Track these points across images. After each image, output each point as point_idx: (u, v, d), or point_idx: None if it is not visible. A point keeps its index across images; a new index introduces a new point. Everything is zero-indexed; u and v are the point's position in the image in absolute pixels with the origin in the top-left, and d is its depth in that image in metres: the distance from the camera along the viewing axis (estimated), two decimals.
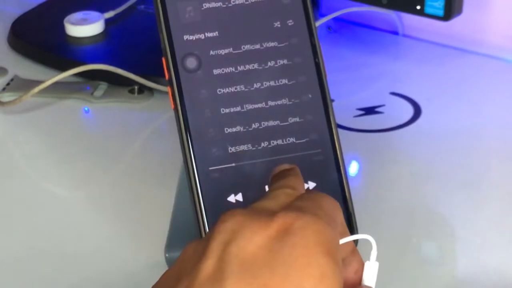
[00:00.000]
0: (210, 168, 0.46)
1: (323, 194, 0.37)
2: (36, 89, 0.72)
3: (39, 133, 0.70)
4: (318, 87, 0.48)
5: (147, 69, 0.74)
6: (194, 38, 0.47)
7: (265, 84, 0.48)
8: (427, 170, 0.64)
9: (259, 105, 0.48)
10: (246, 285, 0.31)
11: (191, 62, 0.47)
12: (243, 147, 0.47)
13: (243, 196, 0.46)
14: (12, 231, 0.59)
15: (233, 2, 0.48)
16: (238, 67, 0.48)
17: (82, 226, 0.59)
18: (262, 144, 0.47)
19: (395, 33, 0.84)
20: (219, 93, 0.47)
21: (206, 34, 0.48)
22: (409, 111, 0.71)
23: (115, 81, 0.74)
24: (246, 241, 0.32)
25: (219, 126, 0.47)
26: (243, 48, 0.48)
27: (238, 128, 0.47)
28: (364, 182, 0.63)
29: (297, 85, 0.48)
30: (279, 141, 0.47)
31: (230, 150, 0.47)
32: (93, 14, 0.83)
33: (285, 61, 0.48)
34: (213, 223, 0.46)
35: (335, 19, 0.84)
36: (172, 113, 0.47)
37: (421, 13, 0.73)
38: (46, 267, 0.55)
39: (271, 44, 0.48)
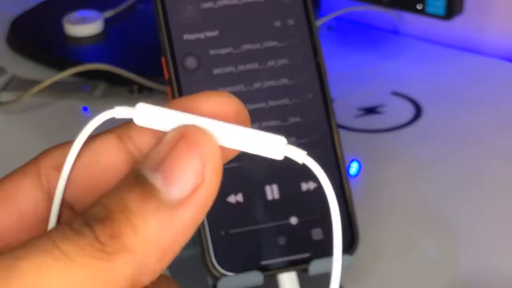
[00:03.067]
0: None
1: None
2: (35, 89, 0.72)
3: (38, 133, 0.70)
4: (319, 87, 0.48)
5: (147, 68, 0.74)
6: (194, 38, 0.47)
7: (266, 84, 0.48)
8: (428, 170, 0.63)
9: (260, 105, 0.47)
10: None
11: (191, 62, 0.47)
12: None
13: (243, 196, 0.46)
14: None
15: (233, 1, 0.48)
16: (238, 67, 0.47)
17: None
18: None
19: (396, 32, 0.84)
20: None
21: (206, 33, 0.47)
22: (410, 111, 0.71)
23: (114, 81, 0.74)
24: None
25: None
26: (243, 47, 0.48)
27: None
28: (364, 182, 0.63)
29: (297, 85, 0.48)
30: None
31: None
32: (93, 13, 0.82)
33: (286, 61, 0.48)
34: (213, 224, 0.46)
35: (336, 19, 0.84)
36: None
37: (422, 12, 0.73)
38: None
39: (272, 43, 0.48)
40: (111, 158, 0.25)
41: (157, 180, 0.23)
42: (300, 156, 0.24)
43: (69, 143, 0.25)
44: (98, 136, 0.25)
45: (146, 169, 0.23)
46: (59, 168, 0.25)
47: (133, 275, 0.22)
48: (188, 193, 0.23)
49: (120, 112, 0.24)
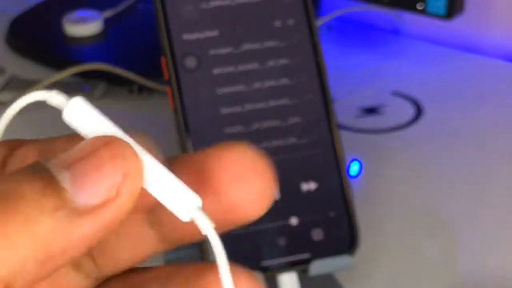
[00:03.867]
0: None
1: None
2: (35, 89, 0.72)
3: (38, 133, 0.70)
4: (319, 87, 0.48)
5: (147, 68, 0.74)
6: (193, 38, 0.47)
7: (266, 83, 0.48)
8: (428, 170, 0.63)
9: (260, 105, 0.47)
10: None
11: (190, 62, 0.47)
12: None
13: None
14: None
15: (233, 1, 0.48)
16: (238, 67, 0.47)
17: None
18: (263, 144, 0.47)
19: (396, 32, 0.84)
20: (219, 93, 0.47)
21: (206, 33, 0.47)
22: (410, 111, 0.71)
23: (114, 81, 0.74)
24: None
25: (219, 126, 0.47)
26: (243, 47, 0.48)
27: (239, 128, 0.47)
28: (365, 182, 0.63)
29: (297, 85, 0.48)
30: (280, 141, 0.47)
31: None
32: (92, 13, 0.82)
33: (286, 61, 0.48)
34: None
35: (336, 18, 0.84)
36: (171, 113, 0.47)
37: (423, 12, 0.73)
38: None
39: (272, 43, 0.48)
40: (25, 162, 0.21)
41: (64, 177, 0.19)
42: (206, 227, 0.20)
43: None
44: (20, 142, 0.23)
45: (53, 165, 0.19)
46: None
47: (8, 277, 0.18)
48: (96, 203, 0.19)
49: (54, 97, 0.22)
